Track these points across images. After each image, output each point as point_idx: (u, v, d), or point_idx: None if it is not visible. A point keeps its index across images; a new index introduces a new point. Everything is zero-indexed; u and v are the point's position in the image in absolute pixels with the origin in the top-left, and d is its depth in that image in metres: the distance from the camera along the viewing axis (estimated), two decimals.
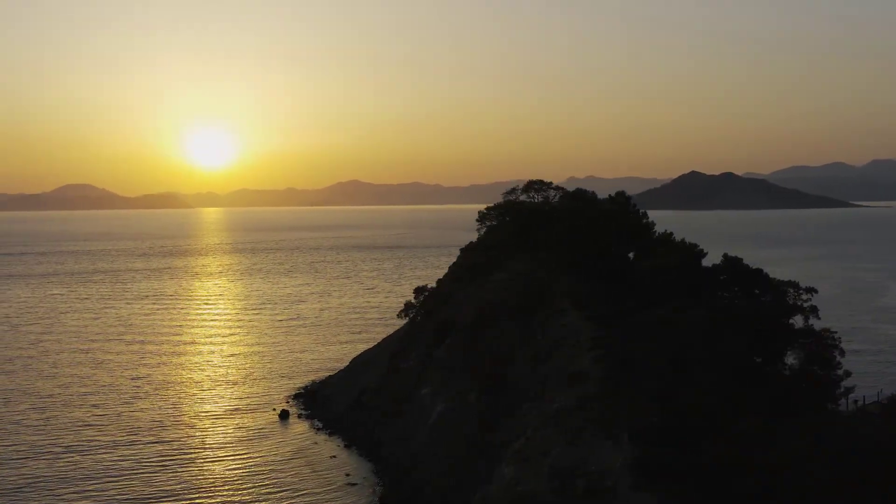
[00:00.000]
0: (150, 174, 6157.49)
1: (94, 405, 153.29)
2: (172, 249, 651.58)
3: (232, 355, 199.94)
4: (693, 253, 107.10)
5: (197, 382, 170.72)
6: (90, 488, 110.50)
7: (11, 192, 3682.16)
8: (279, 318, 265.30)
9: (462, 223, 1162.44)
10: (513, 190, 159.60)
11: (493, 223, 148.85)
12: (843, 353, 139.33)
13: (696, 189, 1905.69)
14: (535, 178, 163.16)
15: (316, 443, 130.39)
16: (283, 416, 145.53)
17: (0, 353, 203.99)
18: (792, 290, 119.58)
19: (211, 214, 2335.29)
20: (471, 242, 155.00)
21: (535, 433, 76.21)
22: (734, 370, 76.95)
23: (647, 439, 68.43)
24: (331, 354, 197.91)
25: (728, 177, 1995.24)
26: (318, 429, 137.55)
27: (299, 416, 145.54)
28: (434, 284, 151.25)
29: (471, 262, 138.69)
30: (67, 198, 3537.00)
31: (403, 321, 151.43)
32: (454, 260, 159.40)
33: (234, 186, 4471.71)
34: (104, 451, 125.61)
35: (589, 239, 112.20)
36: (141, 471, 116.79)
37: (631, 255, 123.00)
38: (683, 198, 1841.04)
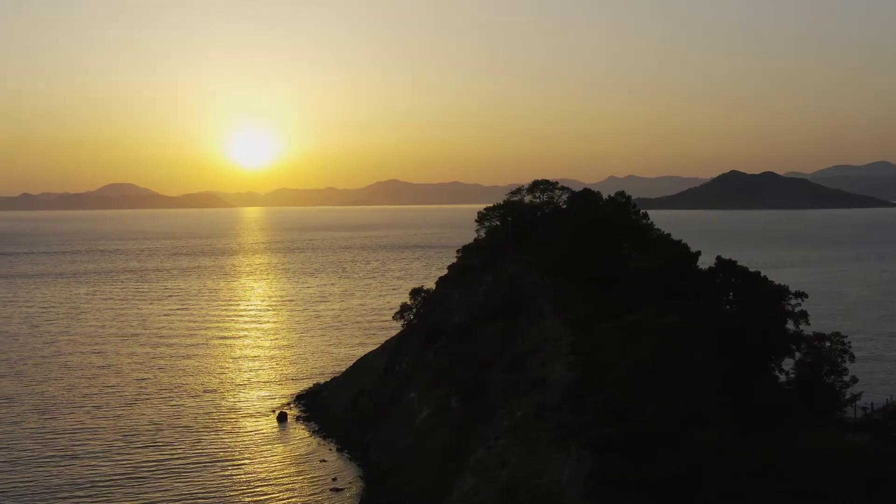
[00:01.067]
0: (192, 174, 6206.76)
1: (95, 406, 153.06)
2: (206, 249, 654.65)
3: (241, 357, 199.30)
4: (683, 255, 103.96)
5: (201, 384, 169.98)
6: (69, 495, 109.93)
7: (57, 192, 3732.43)
8: (296, 318, 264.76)
9: None
10: (518, 190, 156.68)
11: (495, 223, 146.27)
12: (852, 357, 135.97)
13: (736, 189, 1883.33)
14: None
15: (309, 446, 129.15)
16: (282, 418, 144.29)
17: (14, 353, 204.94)
18: (792, 296, 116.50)
19: (250, 214, 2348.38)
20: (470, 243, 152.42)
21: (497, 442, 74.03)
22: (704, 378, 73.93)
23: (602, 451, 65.98)
24: (341, 356, 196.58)
25: (769, 176, 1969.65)
26: (314, 432, 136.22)
27: (297, 419, 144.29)
28: (433, 286, 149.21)
29: (466, 264, 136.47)
30: (111, 197, 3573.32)
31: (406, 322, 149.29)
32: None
33: (274, 186, 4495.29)
34: (94, 456, 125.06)
35: (578, 241, 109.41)
36: (127, 476, 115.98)
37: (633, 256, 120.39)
38: (723, 197, 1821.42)
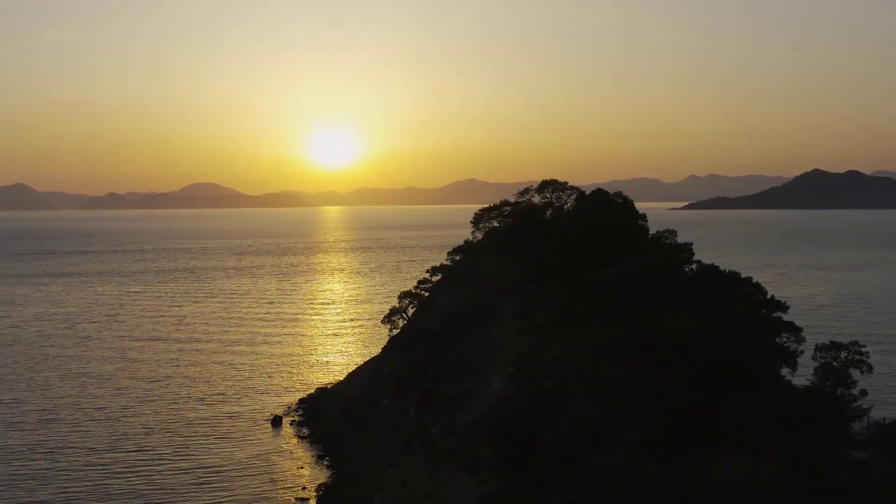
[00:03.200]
0: (273, 174, 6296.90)
1: (98, 408, 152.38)
2: (271, 248, 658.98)
3: (261, 359, 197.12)
4: (666, 260, 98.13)
5: (210, 387, 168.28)
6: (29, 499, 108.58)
7: (142, 191, 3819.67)
8: (335, 318, 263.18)
9: None
10: (526, 190, 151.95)
11: (494, 224, 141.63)
12: (869, 368, 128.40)
13: (819, 188, 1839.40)
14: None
15: (292, 453, 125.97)
16: (276, 423, 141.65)
17: (41, 351, 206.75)
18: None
19: (330, 213, 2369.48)
20: (461, 245, 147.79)
21: (406, 460, 69.70)
22: (632, 395, 68.48)
23: (505, 472, 61.17)
24: (360, 358, 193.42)
25: (854, 175, 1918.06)
26: (303, 437, 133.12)
27: (292, 423, 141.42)
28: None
29: (457, 267, 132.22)
30: (194, 196, 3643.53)
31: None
32: None
33: (354, 186, 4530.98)
34: (72, 460, 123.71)
35: (562, 245, 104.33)
36: (93, 482, 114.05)
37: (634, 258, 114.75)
38: (806, 197, 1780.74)
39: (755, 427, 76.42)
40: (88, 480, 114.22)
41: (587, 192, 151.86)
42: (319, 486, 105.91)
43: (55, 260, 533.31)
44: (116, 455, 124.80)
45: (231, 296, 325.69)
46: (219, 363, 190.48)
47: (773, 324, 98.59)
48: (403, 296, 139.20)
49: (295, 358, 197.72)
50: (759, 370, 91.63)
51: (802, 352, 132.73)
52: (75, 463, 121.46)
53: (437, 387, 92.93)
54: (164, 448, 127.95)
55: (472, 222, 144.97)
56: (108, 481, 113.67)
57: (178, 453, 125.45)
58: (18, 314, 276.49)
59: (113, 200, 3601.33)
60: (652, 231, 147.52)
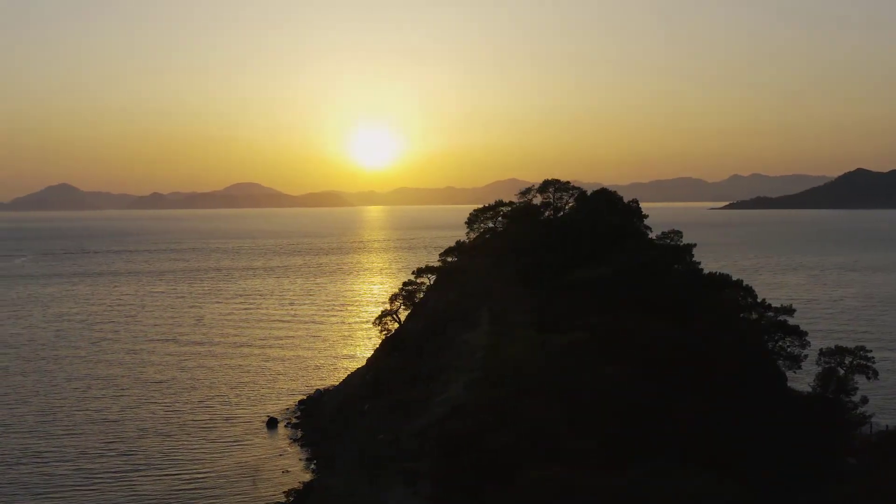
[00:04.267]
0: (314, 173, 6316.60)
1: (97, 409, 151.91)
2: (304, 248, 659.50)
3: (272, 359, 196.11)
4: (650, 262, 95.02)
5: (212, 387, 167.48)
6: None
7: (185, 191, 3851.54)
8: (352, 319, 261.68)
9: None
10: (528, 189, 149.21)
11: (490, 225, 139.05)
12: (875, 374, 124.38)
13: (863, 187, 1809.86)
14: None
15: (280, 455, 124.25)
16: (271, 424, 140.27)
17: (53, 351, 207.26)
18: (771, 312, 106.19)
19: (370, 213, 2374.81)
20: (453, 245, 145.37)
21: (352, 469, 67.45)
22: (586, 403, 65.66)
23: (444, 483, 58.77)
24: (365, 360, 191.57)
25: None
26: (295, 440, 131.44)
27: (287, 425, 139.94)
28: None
29: (449, 268, 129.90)
30: (236, 196, 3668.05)
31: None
32: None
33: (394, 185, 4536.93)
34: (59, 462, 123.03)
35: (548, 245, 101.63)
36: (77, 486, 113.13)
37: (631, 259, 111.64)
38: (849, 196, 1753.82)
39: (723, 440, 73.17)
40: (70, 485, 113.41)
41: (590, 192, 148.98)
42: (290, 491, 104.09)
43: (88, 259, 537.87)
44: (104, 459, 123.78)
45: (253, 296, 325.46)
46: (226, 365, 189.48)
47: (755, 327, 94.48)
48: (394, 297, 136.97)
49: (303, 359, 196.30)
50: (737, 377, 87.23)
51: (806, 356, 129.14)
52: (61, 468, 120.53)
53: (405, 392, 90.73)
54: (152, 452, 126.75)
55: (466, 222, 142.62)
56: (90, 487, 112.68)
57: (165, 457, 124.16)
58: (40, 314, 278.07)
59: (156, 200, 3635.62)
60: (656, 232, 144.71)
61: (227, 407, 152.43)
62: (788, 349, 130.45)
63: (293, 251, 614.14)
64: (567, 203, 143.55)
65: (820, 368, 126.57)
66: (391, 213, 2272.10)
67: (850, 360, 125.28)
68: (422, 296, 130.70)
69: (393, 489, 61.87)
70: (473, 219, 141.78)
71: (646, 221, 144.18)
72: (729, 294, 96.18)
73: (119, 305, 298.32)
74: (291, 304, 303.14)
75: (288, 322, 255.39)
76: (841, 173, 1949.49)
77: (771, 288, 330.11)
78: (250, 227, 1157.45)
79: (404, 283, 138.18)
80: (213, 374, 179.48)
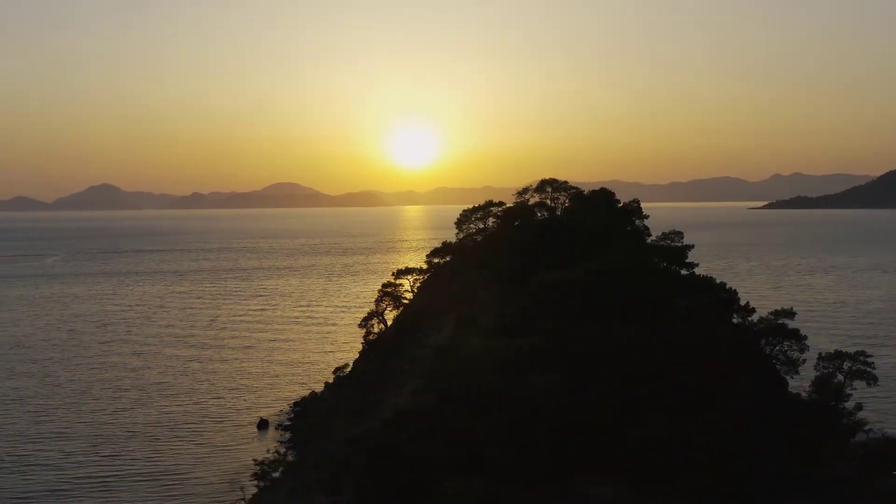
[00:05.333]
0: (353, 173, 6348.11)
1: (93, 410, 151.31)
2: (334, 247, 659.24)
3: (277, 360, 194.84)
4: (629, 264, 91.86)
5: (212, 387, 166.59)
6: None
7: (225, 191, 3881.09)
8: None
9: (661, 222, 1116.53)
10: (525, 190, 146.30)
11: (480, 226, 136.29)
12: (874, 379, 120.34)
13: None
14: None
15: (262, 459, 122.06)
16: (262, 426, 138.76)
17: (62, 351, 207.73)
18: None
19: (407, 212, 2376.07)
20: (439, 247, 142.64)
21: (285, 479, 65.27)
22: (516, 413, 62.83)
23: (366, 496, 56.37)
24: None
25: None
26: (283, 442, 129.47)
27: (277, 427, 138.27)
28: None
29: (435, 270, 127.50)
30: (275, 196, 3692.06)
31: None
32: None
33: (432, 185, 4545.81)
34: (42, 464, 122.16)
35: (527, 247, 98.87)
36: (55, 490, 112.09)
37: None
38: (891, 196, 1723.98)
39: (682, 453, 69.88)
40: (49, 484, 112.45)
41: (587, 192, 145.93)
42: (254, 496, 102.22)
43: (119, 259, 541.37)
44: (86, 463, 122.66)
45: (272, 296, 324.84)
46: (228, 367, 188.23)
47: (733, 330, 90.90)
48: (379, 299, 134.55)
49: (306, 361, 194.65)
50: (707, 385, 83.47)
51: (805, 360, 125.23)
52: (45, 467, 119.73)
53: (363, 397, 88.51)
54: (137, 453, 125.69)
55: (455, 223, 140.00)
56: (67, 491, 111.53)
57: (148, 461, 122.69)
58: (59, 313, 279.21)
59: (196, 200, 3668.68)
60: (657, 232, 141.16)
61: (222, 409, 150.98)
62: (788, 353, 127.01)
63: (322, 251, 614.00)
64: (564, 203, 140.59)
65: (818, 373, 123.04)
66: (429, 212, 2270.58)
67: (850, 364, 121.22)
68: (412, 296, 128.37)
69: (314, 498, 59.73)
70: (463, 219, 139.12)
71: (655, 222, 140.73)
72: (710, 297, 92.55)
73: (138, 305, 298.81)
74: (308, 304, 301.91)
75: (300, 323, 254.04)
76: (883, 172, 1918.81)
77: (799, 289, 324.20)
78: (285, 227, 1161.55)
79: (383, 285, 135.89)
80: (213, 376, 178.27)
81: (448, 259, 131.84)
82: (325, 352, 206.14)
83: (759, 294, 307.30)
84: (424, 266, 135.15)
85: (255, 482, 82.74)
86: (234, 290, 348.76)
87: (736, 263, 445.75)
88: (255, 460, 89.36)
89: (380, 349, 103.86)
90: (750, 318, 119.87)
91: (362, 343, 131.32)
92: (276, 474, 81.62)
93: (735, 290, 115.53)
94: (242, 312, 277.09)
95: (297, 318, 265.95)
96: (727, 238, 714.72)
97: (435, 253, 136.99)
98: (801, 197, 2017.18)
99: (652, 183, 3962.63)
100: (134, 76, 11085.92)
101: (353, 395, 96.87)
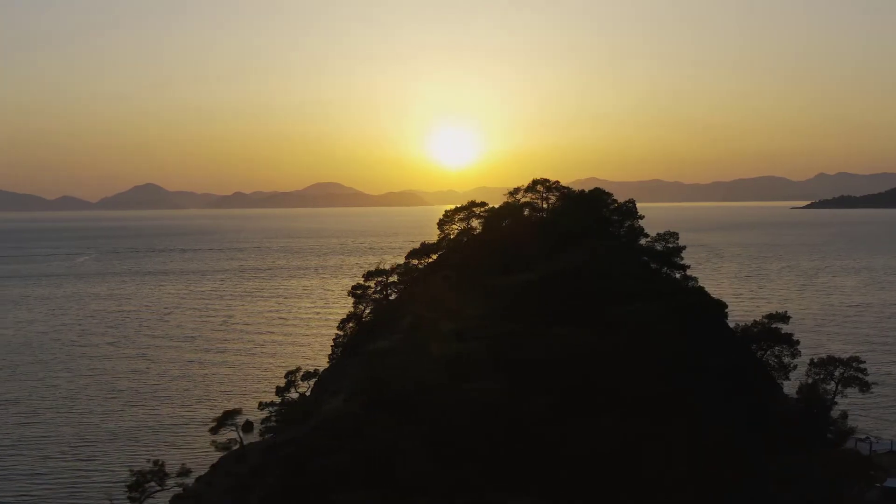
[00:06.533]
0: (394, 173, 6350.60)
1: (82, 411, 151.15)
2: (365, 247, 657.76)
3: (280, 361, 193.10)
4: (576, 267, 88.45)
5: (204, 390, 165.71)
6: None
7: (267, 191, 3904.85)
8: None
9: (703, 223, 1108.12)
10: (517, 190, 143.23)
11: (464, 226, 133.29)
12: (866, 386, 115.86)
13: None
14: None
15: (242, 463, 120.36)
16: (246, 428, 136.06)
17: (69, 350, 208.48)
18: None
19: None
20: (417, 248, 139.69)
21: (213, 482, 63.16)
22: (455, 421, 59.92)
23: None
24: None
25: None
26: (228, 448, 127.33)
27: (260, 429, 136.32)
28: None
29: (411, 270, 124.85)
30: (316, 195, 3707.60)
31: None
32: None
33: (473, 185, 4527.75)
34: (25, 464, 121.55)
35: (501, 248, 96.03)
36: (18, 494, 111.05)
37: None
38: None
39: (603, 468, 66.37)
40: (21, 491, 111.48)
41: (584, 192, 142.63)
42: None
43: (149, 258, 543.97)
44: (65, 463, 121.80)
45: (292, 296, 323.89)
46: (230, 368, 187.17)
47: (678, 340, 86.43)
48: (357, 301, 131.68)
49: (309, 363, 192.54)
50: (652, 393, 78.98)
51: (795, 366, 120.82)
52: (20, 474, 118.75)
53: (309, 402, 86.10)
54: (113, 456, 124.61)
55: (438, 224, 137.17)
56: (42, 493, 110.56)
57: (122, 463, 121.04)
58: (76, 312, 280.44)
59: (239, 199, 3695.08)
60: (653, 233, 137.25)
61: (212, 410, 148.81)
62: (780, 357, 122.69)
63: (353, 250, 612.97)
64: (555, 204, 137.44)
65: (810, 380, 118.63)
66: None
67: (841, 371, 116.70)
68: (393, 297, 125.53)
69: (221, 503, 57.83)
70: (445, 220, 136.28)
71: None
72: (672, 302, 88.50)
73: (154, 306, 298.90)
74: (325, 304, 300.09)
75: (314, 323, 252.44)
76: None
77: (825, 291, 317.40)
78: (322, 226, 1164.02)
79: (353, 287, 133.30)
80: (212, 377, 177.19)
81: (424, 261, 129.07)
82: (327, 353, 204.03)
83: (783, 296, 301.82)
84: (402, 266, 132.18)
85: (130, 493, 79.50)
86: (254, 289, 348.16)
87: (767, 264, 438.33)
88: (131, 470, 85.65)
89: (340, 352, 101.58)
90: (743, 323, 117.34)
91: (331, 345, 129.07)
92: (189, 481, 79.47)
93: (709, 293, 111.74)
94: (257, 312, 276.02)
95: (310, 319, 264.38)
96: (763, 238, 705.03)
97: (413, 254, 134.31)
98: (845, 196, 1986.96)
99: (693, 182, 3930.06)
100: (177, 77, 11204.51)
101: (304, 399, 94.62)
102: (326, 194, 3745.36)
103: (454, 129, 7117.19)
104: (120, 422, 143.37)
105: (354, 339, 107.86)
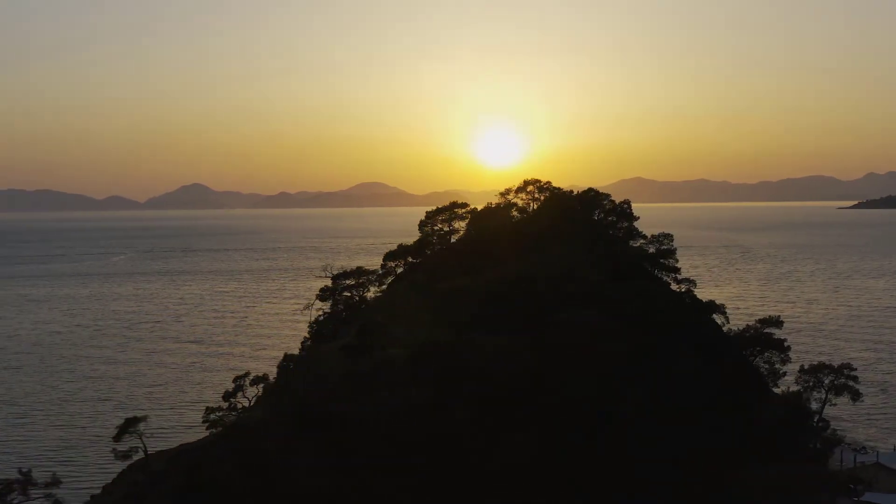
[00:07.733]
0: (438, 172, 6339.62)
1: (72, 413, 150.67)
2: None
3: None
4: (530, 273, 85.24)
5: (200, 392, 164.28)
6: None
7: (312, 190, 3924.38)
8: None
9: (745, 222, 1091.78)
10: (507, 191, 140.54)
11: (446, 228, 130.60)
12: (857, 395, 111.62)
13: None
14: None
15: None
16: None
17: (77, 350, 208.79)
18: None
19: None
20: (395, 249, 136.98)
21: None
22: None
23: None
24: None
25: None
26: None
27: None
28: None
29: (389, 273, 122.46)
30: (361, 195, 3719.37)
31: None
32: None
33: (517, 184, 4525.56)
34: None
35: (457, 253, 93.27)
36: None
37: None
38: None
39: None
40: None
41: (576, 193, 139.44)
42: None
43: (183, 258, 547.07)
44: (44, 467, 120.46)
45: (313, 297, 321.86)
46: (230, 370, 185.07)
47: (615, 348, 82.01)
48: (335, 302, 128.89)
49: None
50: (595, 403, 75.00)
51: (785, 373, 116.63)
52: None
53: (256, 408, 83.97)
54: (86, 461, 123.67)
55: (419, 225, 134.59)
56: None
57: (99, 469, 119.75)
58: (93, 313, 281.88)
59: (284, 199, 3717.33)
60: (648, 234, 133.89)
61: (199, 412, 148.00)
62: (771, 363, 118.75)
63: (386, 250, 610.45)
64: (526, 206, 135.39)
65: (800, 387, 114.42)
66: None
67: (832, 378, 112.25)
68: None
69: None
70: (426, 221, 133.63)
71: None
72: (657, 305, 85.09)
73: (175, 305, 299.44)
74: None
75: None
76: None
77: (854, 293, 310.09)
78: (363, 226, 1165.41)
79: (321, 290, 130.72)
80: (211, 378, 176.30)
81: (400, 262, 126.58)
82: None
83: (809, 297, 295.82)
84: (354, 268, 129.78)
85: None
86: (277, 290, 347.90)
87: (801, 266, 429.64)
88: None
89: (295, 357, 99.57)
90: (735, 327, 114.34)
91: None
92: (59, 492, 77.15)
93: (697, 296, 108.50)
94: (275, 313, 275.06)
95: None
96: (801, 239, 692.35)
97: (390, 256, 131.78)
98: (892, 196, 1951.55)
99: (740, 182, 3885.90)
100: (223, 78, 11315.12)
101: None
102: (371, 194, 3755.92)
103: (498, 129, 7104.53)
104: (109, 424, 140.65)
105: (303, 343, 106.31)
